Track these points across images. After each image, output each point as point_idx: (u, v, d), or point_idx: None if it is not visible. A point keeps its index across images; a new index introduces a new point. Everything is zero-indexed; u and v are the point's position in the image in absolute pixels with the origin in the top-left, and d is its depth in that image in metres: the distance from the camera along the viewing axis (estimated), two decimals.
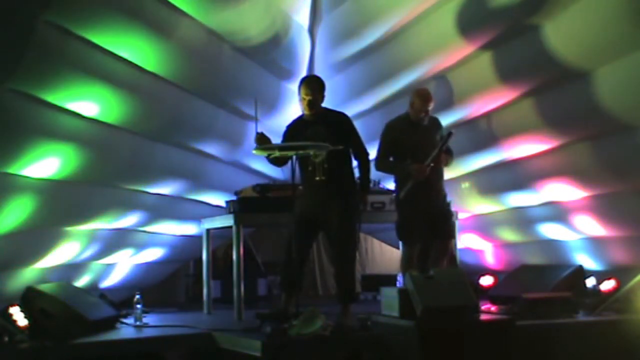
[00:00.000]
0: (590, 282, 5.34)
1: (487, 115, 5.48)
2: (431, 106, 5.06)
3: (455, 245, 5.55)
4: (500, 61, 5.02)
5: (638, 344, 4.34)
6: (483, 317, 4.44)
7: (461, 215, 5.98)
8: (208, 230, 5.81)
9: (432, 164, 4.91)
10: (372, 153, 5.07)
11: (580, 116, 4.79)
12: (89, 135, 4.75)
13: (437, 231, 5.11)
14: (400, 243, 5.29)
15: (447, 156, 5.14)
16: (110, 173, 5.19)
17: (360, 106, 6.17)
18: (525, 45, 4.78)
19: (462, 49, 5.15)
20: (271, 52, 5.87)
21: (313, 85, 4.77)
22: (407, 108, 5.07)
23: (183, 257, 7.19)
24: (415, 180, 4.89)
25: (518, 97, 5.13)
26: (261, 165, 6.27)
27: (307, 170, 4.75)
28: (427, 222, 5.02)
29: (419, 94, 5.04)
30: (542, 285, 5.19)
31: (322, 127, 4.74)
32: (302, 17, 6.19)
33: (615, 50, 4.32)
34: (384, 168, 5.21)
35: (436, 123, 5.18)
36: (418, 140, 5.02)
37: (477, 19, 4.92)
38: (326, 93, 4.85)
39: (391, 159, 5.14)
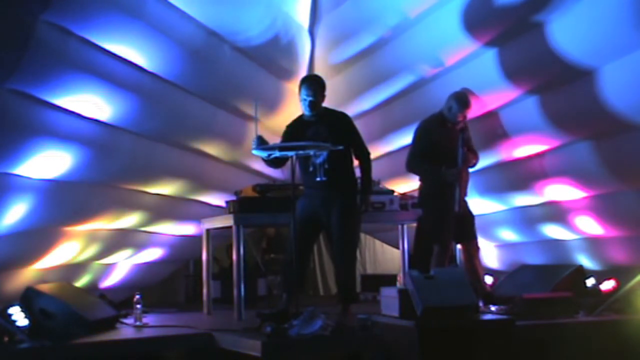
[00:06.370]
0: (590, 282, 5.34)
1: (491, 114, 5.47)
2: (469, 112, 5.08)
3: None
4: (503, 59, 5.01)
5: (638, 344, 4.34)
6: (483, 317, 4.44)
7: None
8: (208, 230, 5.81)
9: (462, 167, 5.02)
10: (373, 153, 5.08)
11: (584, 115, 4.77)
12: (89, 135, 4.76)
13: (463, 232, 5.17)
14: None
15: (473, 156, 5.22)
16: (110, 173, 5.19)
17: (360, 106, 6.17)
18: (530, 42, 4.76)
19: (465, 48, 5.14)
20: (271, 52, 5.87)
21: (315, 86, 4.77)
22: (443, 108, 5.12)
23: (183, 257, 7.19)
24: (458, 186, 4.98)
25: (522, 95, 5.12)
26: (261, 165, 6.27)
27: (307, 171, 4.75)
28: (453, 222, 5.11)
29: (458, 99, 5.05)
30: (542, 285, 5.19)
31: (322, 127, 4.75)
32: (302, 17, 6.20)
33: (620, 48, 4.31)
34: (417, 170, 5.24)
35: (466, 124, 5.20)
36: (453, 144, 5.06)
37: (480, 17, 4.91)
38: (326, 93, 4.85)
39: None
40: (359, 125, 5.00)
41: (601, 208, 5.23)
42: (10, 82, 4.02)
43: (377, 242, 8.30)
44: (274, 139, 5.03)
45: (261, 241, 8.13)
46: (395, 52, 5.71)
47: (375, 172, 5.11)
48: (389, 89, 5.95)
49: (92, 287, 5.92)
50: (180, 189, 6.02)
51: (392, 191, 5.80)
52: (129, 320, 4.95)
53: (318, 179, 4.66)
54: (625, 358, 4.32)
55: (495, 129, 5.43)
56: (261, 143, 4.51)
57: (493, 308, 4.85)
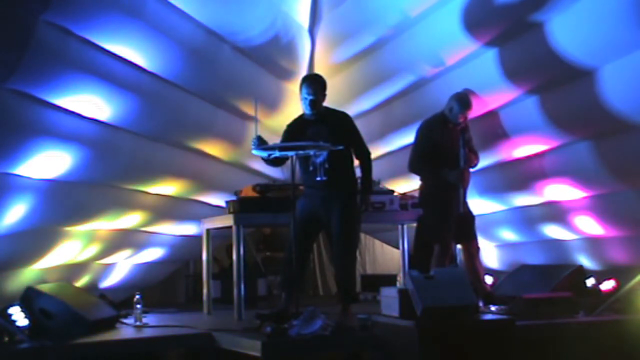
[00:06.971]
0: (590, 282, 5.34)
1: (491, 114, 5.46)
2: (470, 112, 5.09)
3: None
4: (503, 59, 5.01)
5: (638, 344, 4.34)
6: (483, 317, 4.44)
7: None
8: (208, 230, 5.81)
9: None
10: (373, 153, 5.07)
11: (584, 115, 4.77)
12: (89, 135, 4.75)
13: (464, 233, 5.18)
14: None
15: (473, 157, 5.24)
16: (110, 173, 5.19)
17: (360, 106, 6.17)
18: (530, 42, 4.75)
19: (465, 48, 5.14)
20: (271, 52, 5.87)
21: (315, 85, 4.76)
22: (445, 109, 5.15)
23: (183, 257, 7.18)
24: (461, 186, 5.01)
25: (522, 95, 5.12)
26: (261, 165, 6.27)
27: (307, 170, 4.75)
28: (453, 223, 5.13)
29: (459, 100, 5.07)
30: (542, 285, 5.19)
31: (323, 126, 4.74)
32: (302, 17, 6.19)
33: (620, 48, 4.31)
34: (419, 170, 5.25)
35: (467, 124, 5.22)
36: (454, 144, 5.08)
37: (480, 17, 4.91)
38: (326, 93, 4.85)
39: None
40: (359, 125, 5.00)
41: (601, 208, 5.23)
42: (10, 82, 4.02)
43: (377, 242, 8.30)
44: (274, 139, 5.03)
45: (260, 241, 8.15)
46: (396, 51, 5.71)
47: (375, 172, 5.11)
48: (389, 89, 5.95)
49: (92, 287, 5.92)
50: (180, 189, 6.02)
51: (392, 191, 5.80)
52: (129, 320, 4.95)
53: (318, 178, 4.66)
54: (625, 358, 4.32)
55: (495, 129, 5.43)
56: (261, 143, 4.52)
57: (493, 308, 4.86)
